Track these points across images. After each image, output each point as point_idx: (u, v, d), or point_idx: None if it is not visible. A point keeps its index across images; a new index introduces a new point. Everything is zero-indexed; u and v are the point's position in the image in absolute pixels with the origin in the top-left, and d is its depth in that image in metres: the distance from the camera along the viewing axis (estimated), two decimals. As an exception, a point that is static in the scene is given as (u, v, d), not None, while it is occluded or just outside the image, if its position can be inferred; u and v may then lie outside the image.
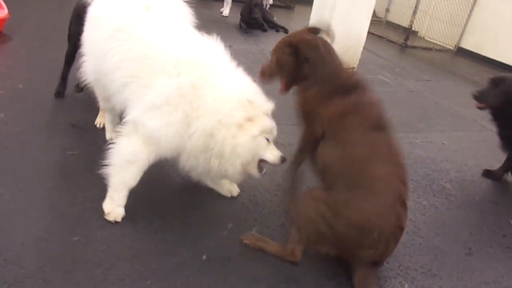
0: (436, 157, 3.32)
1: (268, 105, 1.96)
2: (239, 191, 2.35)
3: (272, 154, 1.95)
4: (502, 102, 2.73)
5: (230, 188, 2.32)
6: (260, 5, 6.64)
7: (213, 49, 2.01)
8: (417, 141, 3.48)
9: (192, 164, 1.95)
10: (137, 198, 2.17)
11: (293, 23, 7.37)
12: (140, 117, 1.86)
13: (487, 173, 3.09)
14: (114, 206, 1.99)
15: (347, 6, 4.54)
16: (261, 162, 1.96)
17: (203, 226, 2.08)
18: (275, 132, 2.00)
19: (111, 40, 1.97)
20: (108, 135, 2.60)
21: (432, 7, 7.67)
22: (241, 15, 6.41)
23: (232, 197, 2.33)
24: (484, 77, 5.44)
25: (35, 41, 4.19)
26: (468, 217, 2.56)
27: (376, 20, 8.38)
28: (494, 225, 2.52)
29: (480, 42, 7.09)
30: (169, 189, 2.31)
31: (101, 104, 2.44)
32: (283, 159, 1.96)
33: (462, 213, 2.59)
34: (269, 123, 1.96)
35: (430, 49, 7.20)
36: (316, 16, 4.91)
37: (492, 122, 2.96)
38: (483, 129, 4.03)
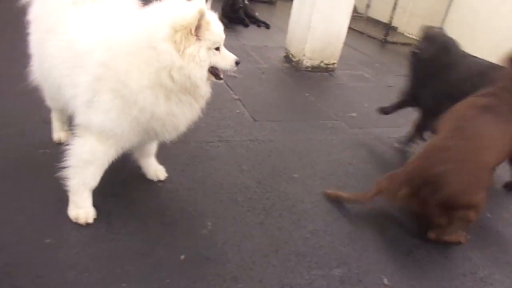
0: (416, 150, 3.35)
1: (192, 14, 1.65)
2: (166, 175, 2.31)
3: (225, 63, 1.83)
4: (432, 57, 2.89)
5: (157, 172, 2.29)
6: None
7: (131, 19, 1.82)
8: (396, 136, 3.50)
9: (157, 108, 1.75)
10: (112, 198, 2.11)
11: (275, 18, 7.34)
12: (86, 119, 1.80)
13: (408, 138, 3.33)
14: (79, 210, 1.92)
15: (328, 2, 4.53)
16: (216, 70, 1.85)
17: (181, 225, 2.03)
18: (221, 36, 1.80)
19: (44, 42, 1.94)
20: (55, 135, 2.49)
21: (410, 4, 7.74)
22: (222, 10, 6.33)
23: (211, 195, 2.29)
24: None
25: (4, 35, 4.03)
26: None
27: (357, 16, 8.42)
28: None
29: (457, 38, 7.16)
30: (146, 189, 2.25)
31: (49, 102, 2.35)
32: (237, 62, 1.87)
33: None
34: (211, 35, 1.72)
35: (409, 44, 7.23)
36: (297, 12, 4.89)
37: (410, 75, 3.17)
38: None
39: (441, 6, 7.33)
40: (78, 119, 1.84)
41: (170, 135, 1.89)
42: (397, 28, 7.99)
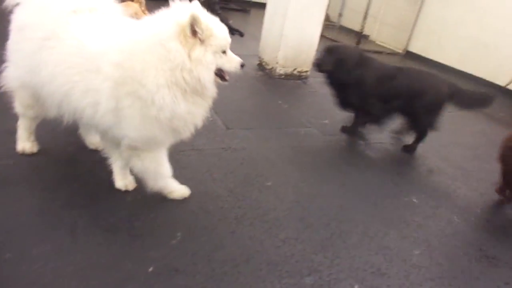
0: (385, 157, 3.42)
1: (184, 19, 1.71)
2: (135, 185, 2.29)
3: (230, 65, 1.92)
4: (334, 67, 3.25)
5: (126, 182, 2.27)
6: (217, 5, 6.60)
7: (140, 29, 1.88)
8: (369, 142, 3.56)
9: (177, 107, 1.83)
10: (78, 209, 2.05)
11: (249, 26, 7.38)
12: (122, 134, 1.90)
13: (343, 129, 3.68)
14: (177, 191, 2.28)
15: (299, 11, 4.59)
16: (222, 72, 1.94)
17: (149, 236, 1.99)
18: (227, 40, 1.87)
19: (42, 50, 1.88)
20: (20, 145, 2.38)
21: (381, 13, 7.96)
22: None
23: (182, 205, 2.26)
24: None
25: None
26: (415, 217, 2.64)
27: (329, 25, 8.58)
28: (438, 223, 2.62)
29: (426, 46, 7.44)
30: (114, 199, 2.20)
31: (21, 110, 2.26)
32: (242, 64, 1.96)
33: (410, 213, 2.66)
34: (216, 40, 1.80)
35: (380, 52, 7.46)
36: (269, 20, 4.93)
37: (328, 86, 3.49)
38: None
39: (410, 15, 7.57)
40: (115, 134, 1.92)
41: (190, 132, 2.01)
42: (368, 36, 8.19)
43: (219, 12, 6.43)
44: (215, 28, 1.79)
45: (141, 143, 1.94)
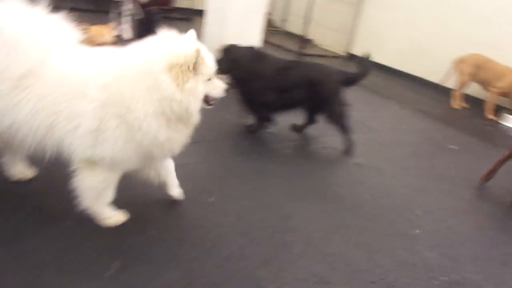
0: (329, 160, 3.49)
1: (190, 53, 1.79)
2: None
3: (216, 91, 2.03)
4: (231, 66, 3.38)
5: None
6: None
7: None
8: (312, 147, 3.62)
9: (160, 134, 1.87)
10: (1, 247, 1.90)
11: (193, 36, 7.30)
12: (95, 153, 1.85)
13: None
14: (108, 219, 2.14)
15: (239, 19, 4.61)
16: (207, 97, 2.03)
17: (83, 270, 1.87)
18: (214, 68, 1.97)
19: (18, 90, 1.80)
20: None
21: (323, 17, 8.19)
22: (135, 29, 6.13)
23: (119, 230, 2.15)
24: (374, 81, 5.96)
25: None
26: (358, 220, 2.70)
27: (274, 30, 8.70)
28: (379, 224, 2.70)
29: (367, 48, 7.69)
30: (42, 235, 2.04)
31: None
32: (226, 89, 2.07)
33: (352, 216, 2.72)
34: (206, 69, 1.89)
35: (324, 56, 7.66)
36: (209, 29, 4.90)
37: (234, 88, 3.49)
38: (371, 130, 4.36)
39: (350, 19, 7.85)
40: (85, 154, 1.87)
41: (165, 157, 2.08)
42: (312, 40, 8.39)
43: (158, 24, 6.27)
44: (206, 57, 1.87)
45: (110, 162, 1.90)
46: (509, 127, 5.37)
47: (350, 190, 3.05)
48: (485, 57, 5.61)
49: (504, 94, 5.48)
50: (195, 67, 1.79)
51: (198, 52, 1.78)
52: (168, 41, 1.84)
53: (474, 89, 5.91)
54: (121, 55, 1.88)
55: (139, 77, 1.76)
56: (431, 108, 5.62)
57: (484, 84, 5.66)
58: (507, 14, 5.81)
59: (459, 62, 5.75)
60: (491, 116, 5.59)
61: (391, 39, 7.30)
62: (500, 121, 5.48)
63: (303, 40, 7.68)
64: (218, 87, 2.04)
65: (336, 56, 7.91)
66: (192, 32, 1.97)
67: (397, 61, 7.20)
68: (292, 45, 7.77)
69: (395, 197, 3.05)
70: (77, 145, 1.85)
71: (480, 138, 4.79)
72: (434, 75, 6.38)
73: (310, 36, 8.12)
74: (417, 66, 6.88)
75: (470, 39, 6.10)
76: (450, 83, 5.93)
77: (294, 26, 8.69)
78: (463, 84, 5.75)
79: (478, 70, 5.59)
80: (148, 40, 1.86)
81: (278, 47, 7.76)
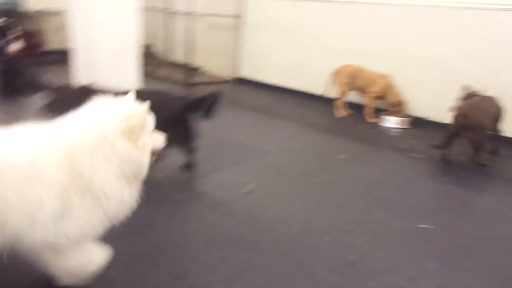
0: (224, 191, 3.34)
1: (141, 113, 1.80)
2: None
3: (157, 143, 2.03)
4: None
5: None
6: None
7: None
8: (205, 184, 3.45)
9: (124, 195, 1.84)
10: None
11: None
12: (58, 235, 1.73)
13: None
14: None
15: (109, 60, 4.31)
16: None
17: None
18: (152, 122, 1.97)
19: None
20: None
21: (206, 44, 8.19)
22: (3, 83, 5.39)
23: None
24: (263, 102, 6.03)
25: None
26: (259, 259, 2.58)
27: (159, 62, 8.47)
28: (296, 256, 2.61)
29: (252, 70, 7.95)
30: None
31: None
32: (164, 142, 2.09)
33: (254, 255, 2.59)
34: (149, 124, 1.91)
35: (212, 82, 7.63)
36: (81, 74, 4.51)
37: None
38: (265, 154, 4.35)
39: (232, 44, 7.98)
40: (49, 239, 1.72)
41: (125, 217, 1.96)
42: (199, 68, 8.34)
43: (26, 72, 5.66)
44: (147, 114, 1.88)
45: (77, 238, 1.80)
46: (388, 127, 5.84)
47: (248, 224, 2.92)
48: (357, 66, 6.08)
49: (379, 98, 5.97)
50: (142, 125, 1.82)
51: (143, 110, 1.80)
52: (110, 107, 1.83)
53: (354, 97, 6.35)
54: (62, 130, 1.79)
55: (94, 149, 1.72)
56: (318, 121, 5.88)
57: (361, 90, 6.11)
58: (369, 28, 6.40)
59: (336, 74, 6.15)
60: (372, 120, 6.04)
61: (274, 59, 7.58)
62: (380, 123, 5.95)
63: (190, 69, 7.56)
64: (159, 138, 2.08)
65: (224, 82, 7.94)
66: (130, 94, 1.96)
67: (283, 79, 7.48)
68: (179, 75, 7.61)
69: (292, 223, 3.01)
70: (37, 232, 1.70)
71: (365, 143, 5.10)
72: (317, 88, 6.73)
73: (197, 64, 8.05)
74: (301, 81, 7.23)
75: (343, 51, 6.58)
76: (332, 94, 6.29)
77: (179, 55, 8.56)
78: (342, 93, 6.15)
79: (353, 78, 6.03)
80: (84, 110, 1.83)
81: (165, 79, 7.54)
